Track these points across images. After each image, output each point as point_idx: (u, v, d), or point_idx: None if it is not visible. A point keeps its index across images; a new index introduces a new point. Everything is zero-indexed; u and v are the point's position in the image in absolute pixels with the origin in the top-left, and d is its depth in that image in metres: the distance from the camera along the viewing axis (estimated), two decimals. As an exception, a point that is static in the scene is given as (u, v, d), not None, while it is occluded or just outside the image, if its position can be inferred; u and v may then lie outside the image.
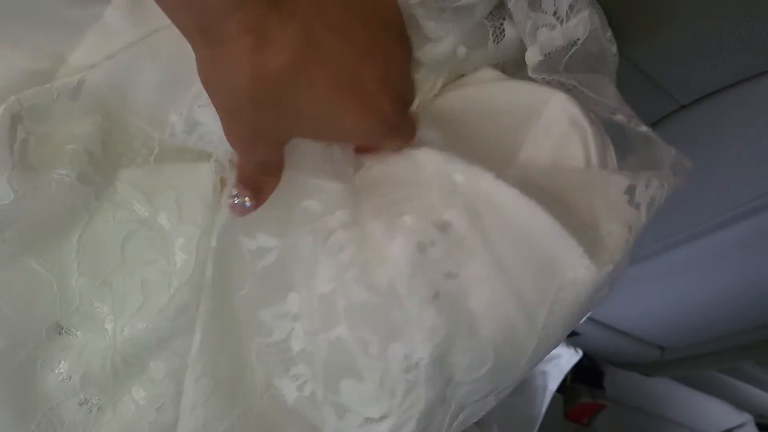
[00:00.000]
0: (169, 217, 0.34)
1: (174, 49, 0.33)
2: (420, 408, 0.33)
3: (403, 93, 0.34)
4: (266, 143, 0.31)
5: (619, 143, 0.38)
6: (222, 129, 0.30)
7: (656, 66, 0.49)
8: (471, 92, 0.41)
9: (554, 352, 1.08)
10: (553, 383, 1.12)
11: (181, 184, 0.34)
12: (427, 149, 0.34)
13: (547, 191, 0.33)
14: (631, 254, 0.34)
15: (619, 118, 0.38)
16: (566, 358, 1.09)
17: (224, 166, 0.35)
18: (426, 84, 0.40)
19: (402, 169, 0.35)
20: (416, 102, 0.39)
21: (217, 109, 0.29)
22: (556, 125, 0.37)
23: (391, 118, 0.31)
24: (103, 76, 0.33)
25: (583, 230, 0.32)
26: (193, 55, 0.28)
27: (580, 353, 1.09)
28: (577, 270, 0.31)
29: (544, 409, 1.11)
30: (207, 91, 0.28)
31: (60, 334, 0.34)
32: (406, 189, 0.33)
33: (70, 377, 0.34)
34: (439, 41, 0.37)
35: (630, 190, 0.33)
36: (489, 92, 0.41)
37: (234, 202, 0.32)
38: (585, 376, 1.32)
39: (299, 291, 0.35)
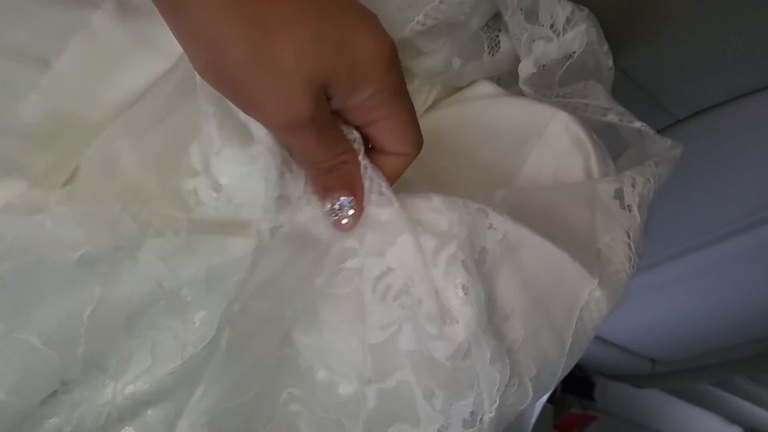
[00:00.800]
0: (195, 289, 0.30)
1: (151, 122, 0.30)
2: None
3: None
4: (301, 86, 0.25)
5: (612, 144, 0.38)
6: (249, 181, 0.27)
7: (652, 80, 0.49)
8: (471, 108, 0.41)
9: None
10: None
11: (213, 260, 0.30)
12: (433, 194, 0.31)
13: (545, 212, 0.33)
14: (637, 256, 0.34)
15: (611, 117, 0.37)
16: (557, 369, 1.09)
17: (264, 235, 0.30)
18: (420, 96, 0.39)
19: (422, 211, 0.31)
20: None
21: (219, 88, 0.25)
22: (558, 145, 0.37)
23: (316, 118, 0.25)
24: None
25: (586, 249, 0.32)
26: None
27: (572, 364, 1.09)
28: (594, 292, 0.32)
29: (534, 420, 1.11)
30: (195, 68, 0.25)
31: (54, 396, 0.31)
32: (453, 232, 0.30)
33: (60, 429, 0.31)
34: (432, 53, 0.37)
35: (618, 194, 0.33)
36: (490, 109, 0.41)
37: (333, 218, 0.29)
38: (576, 386, 1.32)
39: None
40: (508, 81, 0.46)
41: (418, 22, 0.33)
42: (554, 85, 0.42)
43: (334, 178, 0.28)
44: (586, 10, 0.40)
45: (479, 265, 0.29)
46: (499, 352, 0.30)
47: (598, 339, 1.01)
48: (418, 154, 0.29)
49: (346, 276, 0.30)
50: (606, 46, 0.43)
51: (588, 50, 0.41)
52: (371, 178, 0.28)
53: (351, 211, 0.29)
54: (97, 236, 0.28)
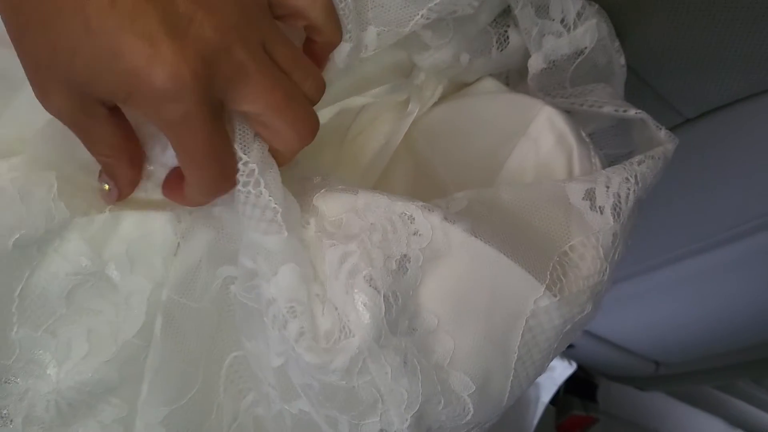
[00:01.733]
0: (120, 269, 0.31)
1: None
2: None
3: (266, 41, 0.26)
4: (57, 85, 0.24)
5: (626, 141, 0.37)
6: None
7: (662, 79, 0.48)
8: (465, 104, 0.40)
9: (548, 364, 1.08)
10: (546, 395, 1.11)
11: (134, 235, 0.31)
12: (363, 190, 0.30)
13: (507, 214, 0.31)
14: (612, 261, 0.31)
15: (607, 109, 0.36)
16: (560, 370, 1.08)
17: (184, 214, 0.31)
18: (426, 91, 0.39)
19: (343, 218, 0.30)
20: (416, 110, 0.38)
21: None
22: (542, 141, 0.35)
23: (200, 75, 0.23)
24: (47, 135, 0.30)
25: (542, 254, 0.30)
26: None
27: (575, 366, 1.09)
28: (541, 300, 0.29)
29: (536, 421, 1.10)
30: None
31: None
32: (358, 239, 0.28)
33: (11, 421, 0.32)
34: (440, 48, 0.36)
35: (589, 195, 0.31)
36: (482, 105, 0.40)
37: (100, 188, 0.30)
38: (578, 388, 1.31)
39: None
40: (516, 79, 0.46)
41: (422, 16, 0.33)
42: (566, 85, 0.42)
43: (103, 167, 0.29)
44: (597, 5, 0.39)
45: (398, 275, 0.28)
46: (408, 368, 0.28)
47: (602, 339, 1.00)
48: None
49: (258, 292, 0.29)
50: (617, 43, 0.42)
51: (599, 47, 0.40)
52: (264, 207, 0.27)
53: (108, 197, 0.30)
54: (34, 220, 0.29)
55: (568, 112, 0.39)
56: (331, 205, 0.30)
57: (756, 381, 1.23)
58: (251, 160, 0.27)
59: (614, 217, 0.31)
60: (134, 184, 0.30)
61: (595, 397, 1.33)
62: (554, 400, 1.24)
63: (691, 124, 0.52)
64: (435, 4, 0.32)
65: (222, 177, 0.26)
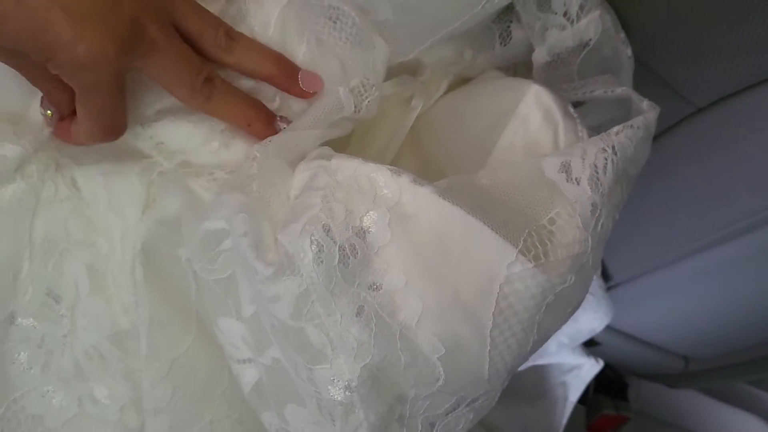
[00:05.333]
0: (99, 200, 0.34)
1: None
2: None
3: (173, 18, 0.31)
4: None
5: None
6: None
7: (671, 68, 0.48)
8: (461, 92, 0.41)
9: (574, 361, 1.06)
10: (574, 394, 1.10)
11: (111, 170, 0.34)
12: (339, 155, 0.32)
13: (483, 190, 0.31)
14: (595, 232, 0.31)
15: (598, 92, 0.37)
16: (587, 367, 1.07)
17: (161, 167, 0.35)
18: (431, 87, 0.39)
19: (314, 172, 0.32)
20: (420, 105, 0.39)
21: None
22: (531, 119, 0.36)
23: (118, 48, 0.27)
24: None
25: (517, 223, 0.29)
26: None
27: (601, 363, 1.07)
28: (514, 266, 0.29)
29: (564, 421, 1.09)
30: None
31: (15, 324, 0.34)
32: (322, 191, 0.31)
33: (32, 368, 0.34)
34: (443, 44, 0.37)
35: (564, 167, 0.31)
36: (475, 90, 0.40)
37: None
38: (608, 387, 1.29)
39: (230, 314, 0.33)
40: (523, 74, 0.46)
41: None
42: (574, 78, 0.42)
43: (46, 95, 0.32)
44: (600, -4, 0.40)
45: (360, 231, 0.29)
46: (362, 319, 0.29)
47: (627, 335, 0.99)
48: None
49: (224, 259, 0.31)
50: (623, 34, 0.42)
51: (604, 38, 0.40)
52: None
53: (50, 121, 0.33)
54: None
55: (577, 105, 0.39)
56: (305, 165, 0.32)
57: (791, 376, 1.20)
58: None
59: (592, 188, 0.31)
60: (71, 106, 0.32)
61: (626, 396, 1.31)
62: (584, 400, 1.23)
63: (704, 113, 0.52)
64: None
65: (109, 131, 0.31)
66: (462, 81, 0.42)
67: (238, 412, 0.37)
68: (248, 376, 0.34)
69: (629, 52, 0.43)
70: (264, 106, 0.34)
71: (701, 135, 0.54)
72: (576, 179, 0.30)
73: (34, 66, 0.29)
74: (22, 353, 0.34)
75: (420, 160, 0.40)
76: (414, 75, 0.41)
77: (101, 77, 0.27)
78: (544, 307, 0.30)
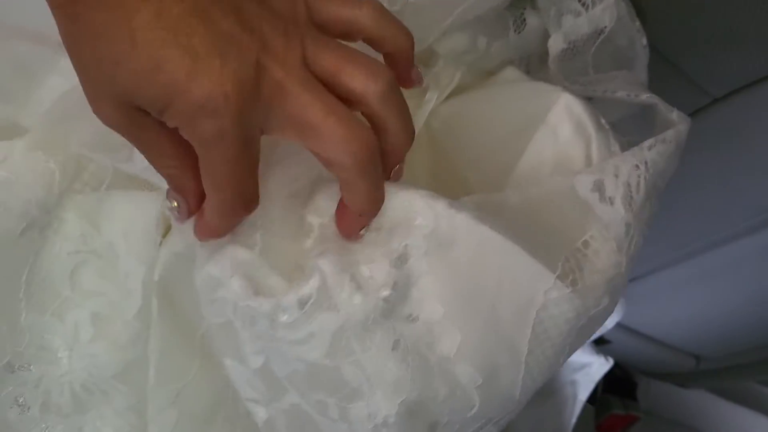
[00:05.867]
0: (118, 247, 0.32)
1: None
2: None
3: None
4: (105, 97, 0.24)
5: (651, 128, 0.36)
6: None
7: (687, 58, 0.48)
8: (481, 94, 0.40)
9: (583, 360, 1.06)
10: (584, 393, 1.09)
11: (128, 215, 0.32)
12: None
13: (514, 209, 0.30)
14: (628, 253, 0.30)
15: (620, 94, 0.36)
16: (596, 366, 1.06)
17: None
18: (444, 77, 0.39)
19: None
20: (434, 97, 0.38)
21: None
22: (561, 130, 0.35)
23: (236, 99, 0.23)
24: (51, 117, 0.31)
25: (553, 247, 0.29)
26: None
27: (611, 362, 1.06)
28: (552, 292, 0.28)
29: (574, 420, 1.09)
30: None
31: (13, 372, 0.33)
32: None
33: (29, 408, 0.34)
34: (456, 31, 0.36)
35: (598, 186, 0.30)
36: (498, 93, 0.39)
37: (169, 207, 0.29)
38: (617, 386, 1.28)
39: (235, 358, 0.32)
40: (537, 66, 0.46)
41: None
42: (589, 71, 0.41)
43: (168, 183, 0.28)
44: (615, -16, 0.39)
45: (398, 263, 0.27)
46: (399, 353, 0.27)
47: (637, 333, 0.98)
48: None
49: (219, 306, 0.29)
50: (638, 23, 0.42)
51: (619, 26, 0.40)
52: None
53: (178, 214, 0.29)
54: (36, 194, 0.31)
55: (590, 100, 0.39)
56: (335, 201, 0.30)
57: (804, 375, 1.18)
58: None
59: (625, 207, 0.30)
60: (202, 198, 0.28)
61: (635, 395, 1.30)
62: (593, 399, 1.22)
63: (720, 103, 0.51)
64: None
65: (241, 202, 0.26)
66: (476, 73, 0.41)
67: (241, 428, 0.36)
68: (260, 413, 0.32)
69: (644, 41, 0.42)
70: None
71: (717, 127, 0.53)
72: (610, 199, 0.30)
73: (153, 131, 0.26)
74: (20, 398, 0.34)
75: (436, 159, 0.40)
76: (426, 66, 0.40)
77: (223, 124, 0.23)
78: (576, 330, 0.29)
